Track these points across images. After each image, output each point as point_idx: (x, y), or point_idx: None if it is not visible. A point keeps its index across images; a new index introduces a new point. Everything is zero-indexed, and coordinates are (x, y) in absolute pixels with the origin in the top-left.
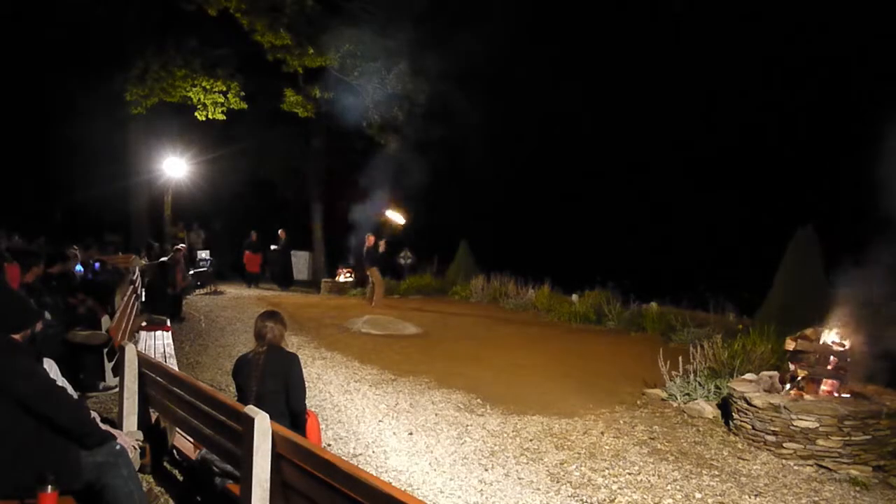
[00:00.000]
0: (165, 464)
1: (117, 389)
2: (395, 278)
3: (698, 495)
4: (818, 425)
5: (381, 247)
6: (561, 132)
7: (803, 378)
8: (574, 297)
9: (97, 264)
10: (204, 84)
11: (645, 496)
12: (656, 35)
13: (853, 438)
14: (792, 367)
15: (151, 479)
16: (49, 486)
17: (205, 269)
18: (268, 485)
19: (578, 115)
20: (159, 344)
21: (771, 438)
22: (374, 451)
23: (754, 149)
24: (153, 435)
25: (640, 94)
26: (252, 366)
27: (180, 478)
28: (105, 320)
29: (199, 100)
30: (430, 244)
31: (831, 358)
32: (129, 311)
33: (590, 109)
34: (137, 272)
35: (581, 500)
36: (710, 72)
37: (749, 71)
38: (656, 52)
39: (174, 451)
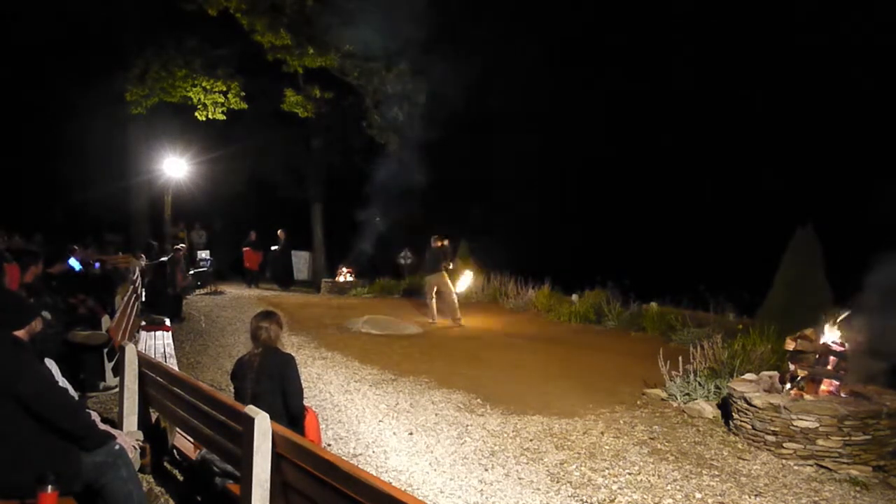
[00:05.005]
0: (165, 464)
1: (117, 389)
2: (396, 278)
3: (698, 495)
4: (818, 425)
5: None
6: (560, 132)
7: (803, 378)
8: (574, 297)
9: (97, 264)
10: (204, 84)
11: (645, 496)
12: (653, 33)
13: (853, 438)
14: (792, 367)
15: (151, 479)
16: (49, 486)
17: (205, 269)
18: (268, 485)
19: (577, 114)
20: (159, 344)
21: (771, 438)
22: (374, 451)
23: (754, 148)
24: (153, 435)
25: (639, 93)
26: (248, 367)
27: (180, 478)
28: (105, 320)
29: (200, 100)
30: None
31: (831, 358)
32: (129, 311)
33: (588, 109)
34: (137, 272)
35: (581, 500)
36: (712, 72)
37: (748, 67)
38: (654, 48)
39: (174, 451)
